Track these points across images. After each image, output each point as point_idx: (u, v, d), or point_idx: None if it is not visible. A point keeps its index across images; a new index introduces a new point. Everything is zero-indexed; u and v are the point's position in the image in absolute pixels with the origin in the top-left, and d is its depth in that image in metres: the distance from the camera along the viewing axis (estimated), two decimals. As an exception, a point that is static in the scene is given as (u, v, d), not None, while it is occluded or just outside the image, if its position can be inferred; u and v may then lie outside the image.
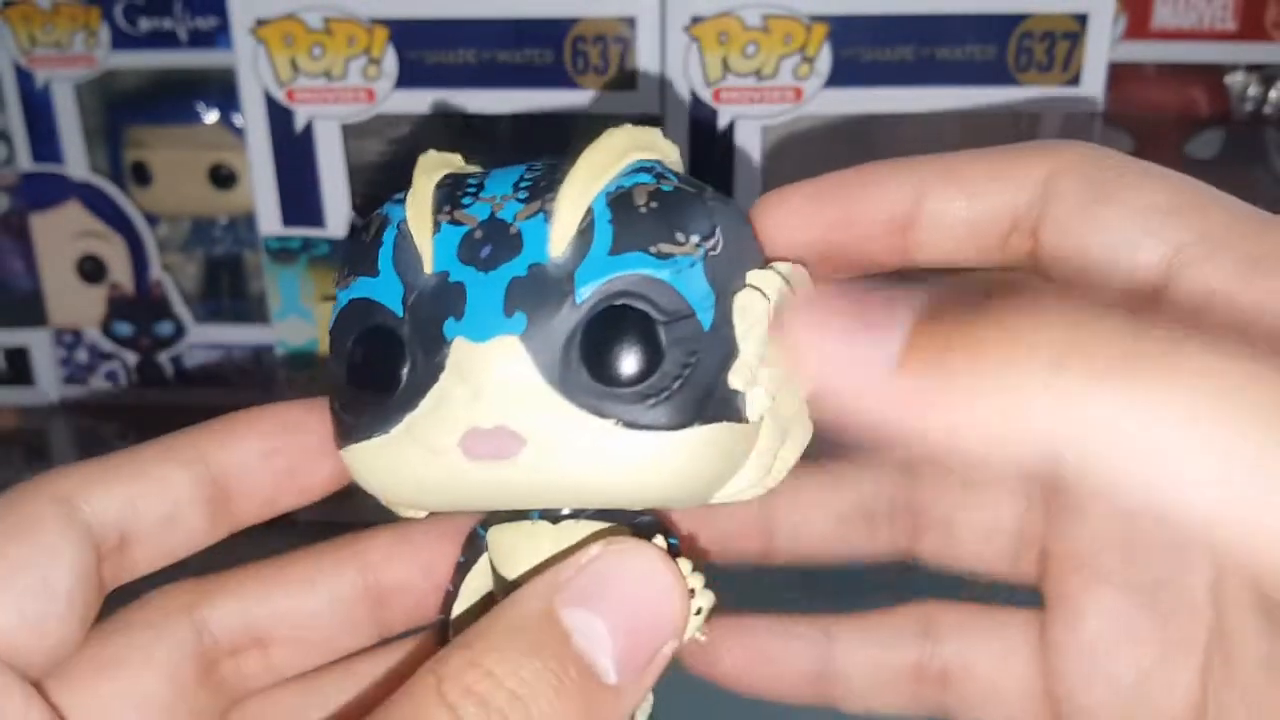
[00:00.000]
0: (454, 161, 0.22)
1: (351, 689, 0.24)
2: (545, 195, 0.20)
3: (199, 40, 0.52)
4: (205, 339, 0.57)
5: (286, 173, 0.47)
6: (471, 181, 0.21)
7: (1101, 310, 0.16)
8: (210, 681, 0.23)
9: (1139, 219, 0.19)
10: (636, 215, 0.20)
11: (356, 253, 0.21)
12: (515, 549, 0.22)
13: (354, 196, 0.47)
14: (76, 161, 0.55)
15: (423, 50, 0.45)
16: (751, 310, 0.20)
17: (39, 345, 0.58)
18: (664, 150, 0.21)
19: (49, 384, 0.59)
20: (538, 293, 0.19)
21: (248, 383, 0.57)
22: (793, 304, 0.18)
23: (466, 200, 0.21)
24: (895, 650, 0.24)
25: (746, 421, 0.20)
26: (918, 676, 0.24)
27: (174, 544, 0.22)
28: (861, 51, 0.44)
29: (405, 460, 0.20)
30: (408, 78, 0.45)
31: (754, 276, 0.20)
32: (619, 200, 0.20)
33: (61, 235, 0.56)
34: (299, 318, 0.49)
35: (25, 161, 0.55)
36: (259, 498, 0.23)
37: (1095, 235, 0.19)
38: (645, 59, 0.44)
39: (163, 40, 0.52)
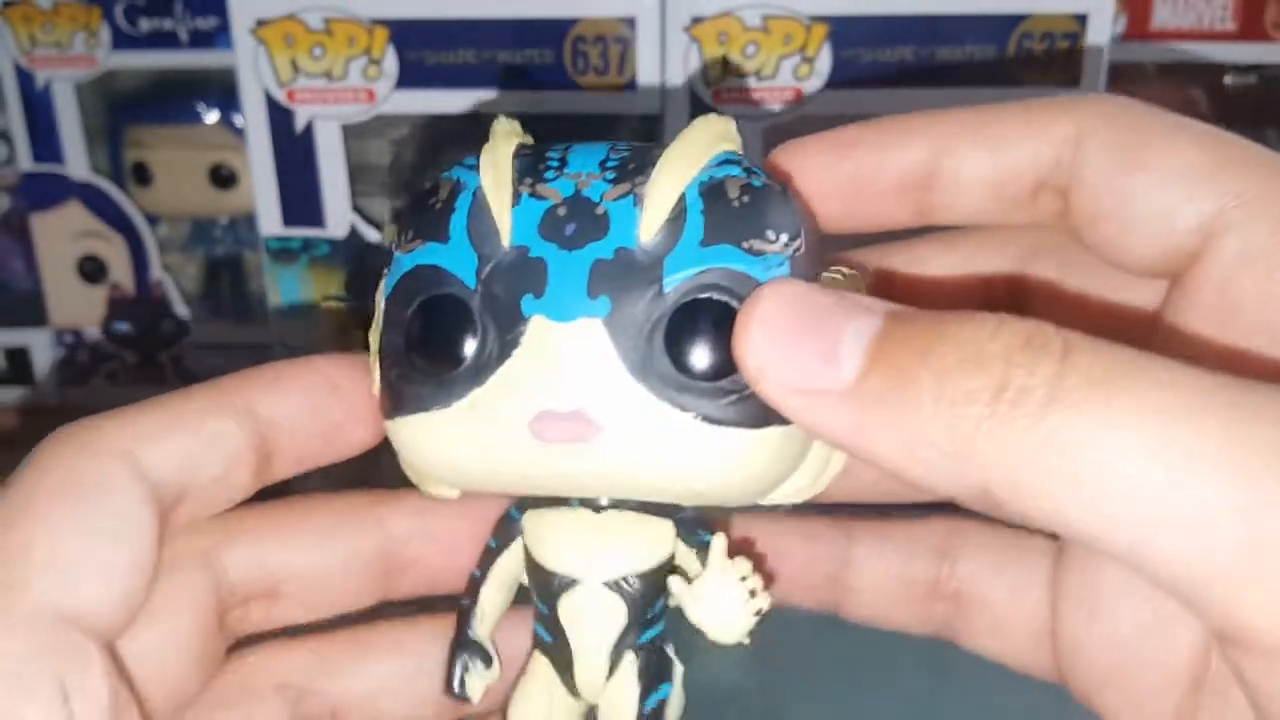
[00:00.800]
0: (521, 133, 0.21)
1: (361, 658, 0.24)
2: (635, 178, 0.20)
3: (199, 40, 0.52)
4: (205, 339, 0.57)
5: (287, 173, 0.47)
6: (553, 155, 0.20)
7: (1046, 339, 0.16)
8: (222, 628, 0.22)
9: (1174, 183, 0.19)
10: (730, 208, 0.19)
11: (424, 216, 0.20)
12: (553, 536, 0.21)
13: (354, 197, 0.47)
14: (77, 161, 0.55)
15: (423, 50, 0.45)
16: None
17: (39, 345, 0.58)
18: (739, 142, 0.21)
19: (49, 384, 0.59)
20: (624, 277, 0.19)
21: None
22: (754, 314, 0.18)
23: (549, 174, 0.20)
24: (912, 562, 0.24)
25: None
26: (931, 593, 0.24)
27: (219, 499, 0.22)
28: (861, 52, 0.44)
29: (466, 437, 0.19)
30: (408, 78, 0.45)
31: (824, 279, 0.20)
32: (712, 191, 0.19)
33: (62, 235, 0.56)
34: (299, 318, 0.49)
35: (26, 161, 0.55)
36: (298, 454, 0.22)
37: (1129, 201, 0.19)
38: (645, 59, 0.44)
39: (163, 40, 0.52)
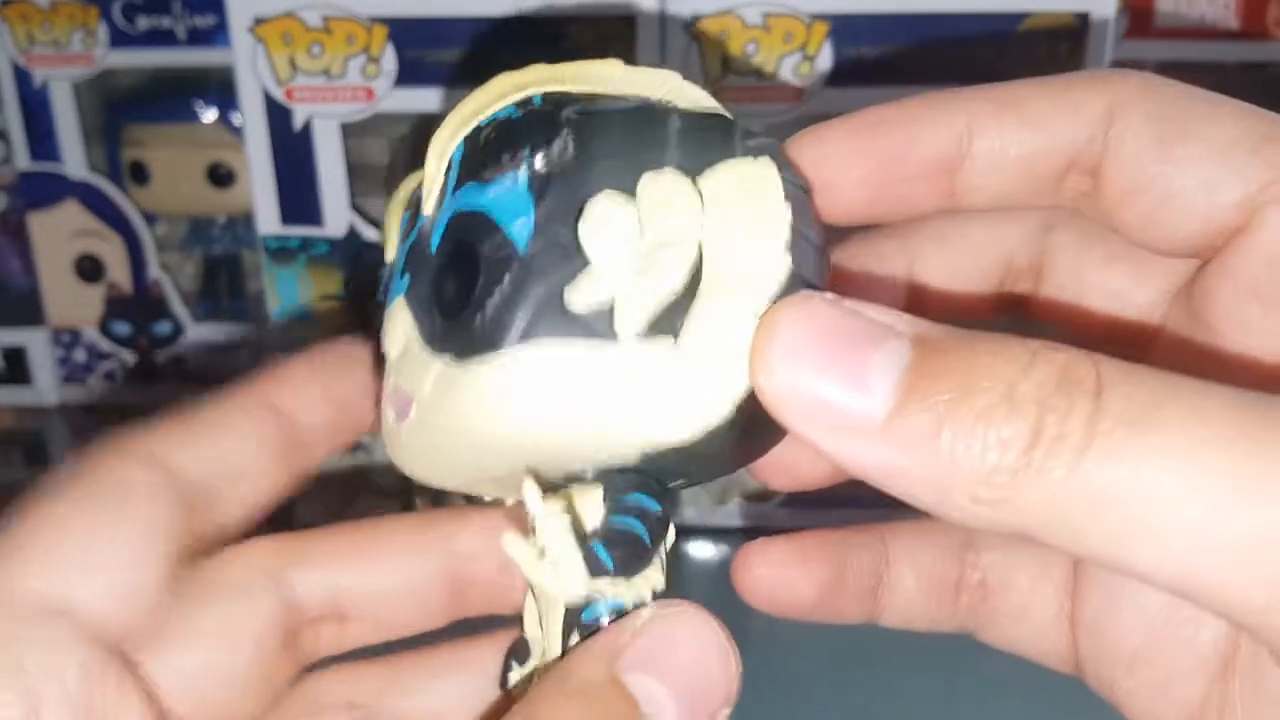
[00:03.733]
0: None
1: (429, 678, 0.24)
2: None
3: (197, 39, 0.52)
4: (203, 338, 0.57)
5: (285, 172, 0.46)
6: None
7: (1081, 376, 0.15)
8: (289, 649, 0.23)
9: (1218, 156, 0.18)
10: (477, 150, 0.19)
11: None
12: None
13: (353, 196, 0.47)
14: (74, 160, 0.55)
15: (422, 49, 0.45)
16: (601, 221, 0.18)
17: (37, 345, 0.58)
18: (589, 80, 0.20)
19: (47, 384, 0.58)
20: (417, 253, 0.20)
21: (246, 382, 0.57)
22: (773, 340, 0.17)
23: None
24: (942, 558, 0.24)
25: (612, 338, 0.18)
26: (957, 586, 0.24)
27: (253, 499, 0.22)
28: (863, 50, 0.44)
29: (381, 425, 0.21)
30: (407, 76, 0.45)
31: (647, 181, 0.18)
32: (469, 141, 0.19)
33: (59, 234, 0.56)
34: (298, 317, 0.49)
35: (23, 160, 0.55)
36: (324, 438, 0.23)
37: (1170, 175, 0.19)
38: (645, 58, 0.44)
39: (161, 39, 0.52)
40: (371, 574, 0.23)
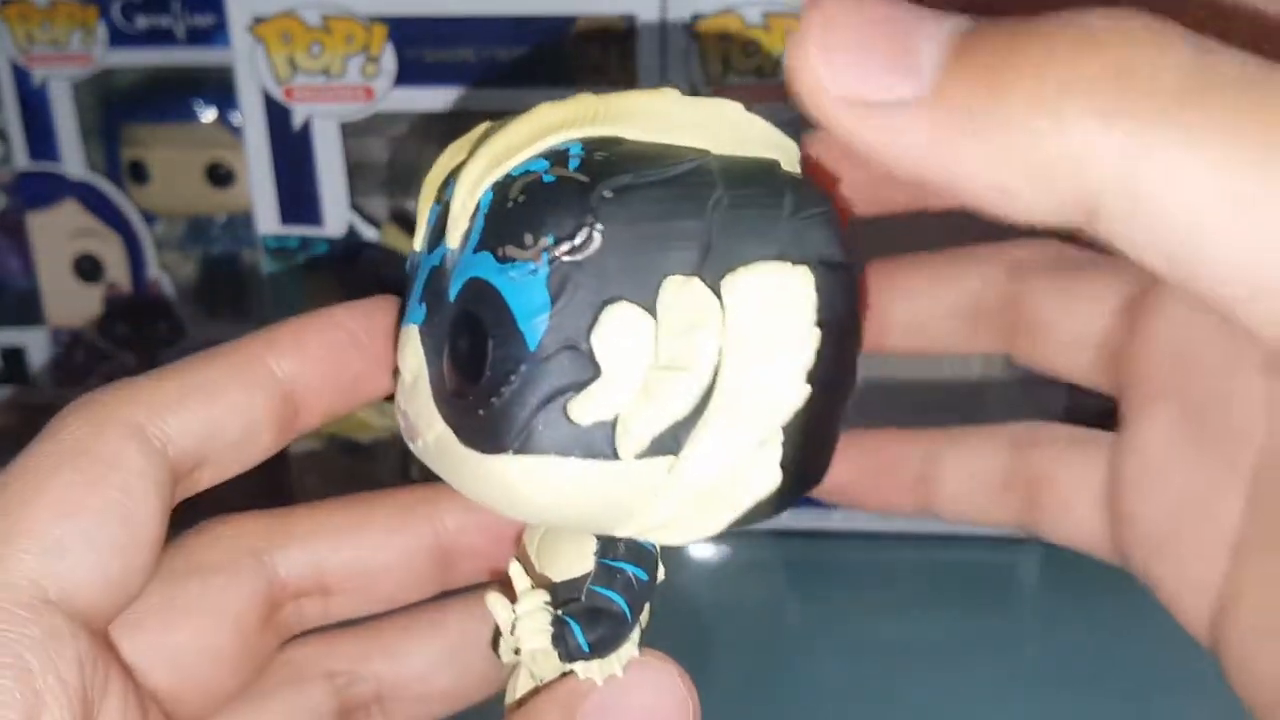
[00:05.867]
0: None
1: (410, 641, 0.24)
2: None
3: (196, 38, 0.52)
4: (202, 338, 0.57)
5: (284, 171, 0.46)
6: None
7: (1167, 36, 0.13)
8: (270, 623, 0.23)
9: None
10: (502, 210, 0.18)
11: None
12: (542, 542, 0.21)
13: (352, 195, 0.47)
14: (73, 160, 0.54)
15: (422, 48, 0.45)
16: (614, 334, 0.17)
17: (36, 345, 0.58)
18: (638, 117, 0.19)
19: (46, 384, 0.58)
20: (437, 284, 0.19)
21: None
22: (811, 20, 0.15)
23: (459, 174, 0.19)
24: (990, 457, 0.25)
25: (611, 454, 0.17)
26: (1006, 484, 0.24)
27: (240, 462, 0.21)
28: (863, 49, 0.43)
29: None
30: (406, 76, 0.45)
31: (671, 291, 0.17)
32: (500, 190, 0.18)
33: (58, 234, 0.56)
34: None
35: (22, 160, 0.55)
36: (323, 407, 0.22)
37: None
38: (646, 57, 0.44)
39: (160, 38, 0.52)
40: (356, 549, 0.23)
